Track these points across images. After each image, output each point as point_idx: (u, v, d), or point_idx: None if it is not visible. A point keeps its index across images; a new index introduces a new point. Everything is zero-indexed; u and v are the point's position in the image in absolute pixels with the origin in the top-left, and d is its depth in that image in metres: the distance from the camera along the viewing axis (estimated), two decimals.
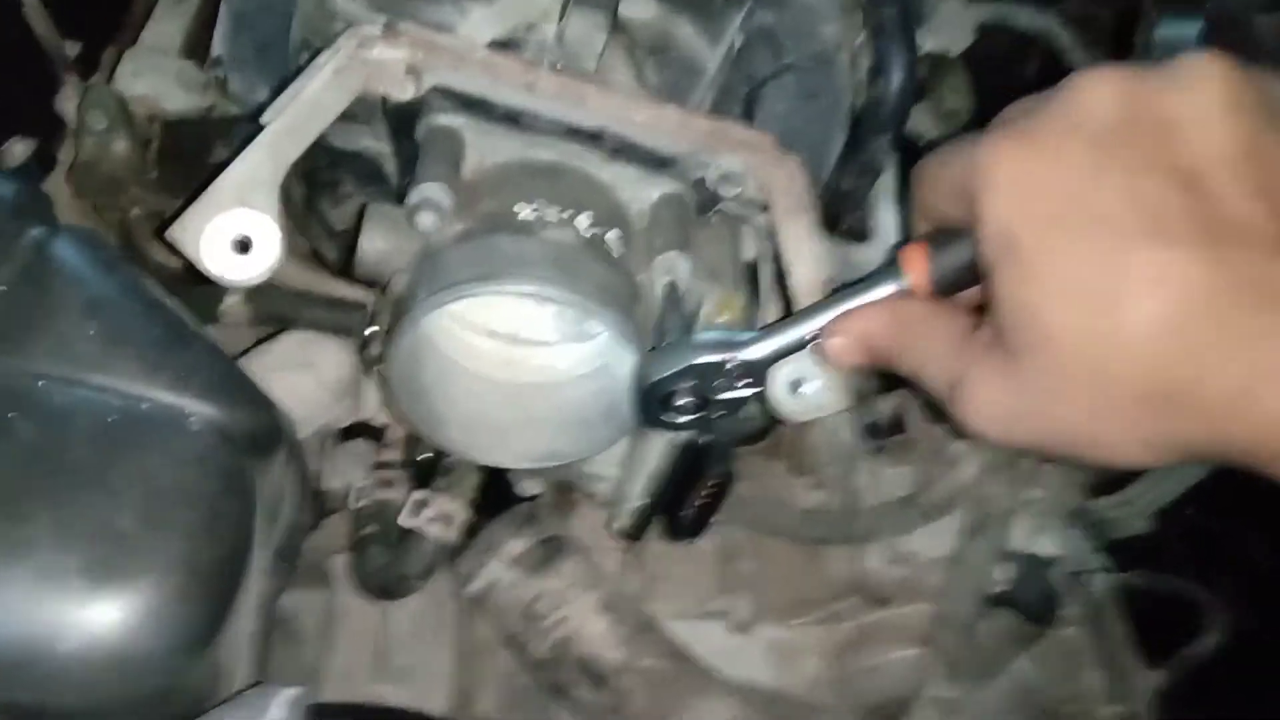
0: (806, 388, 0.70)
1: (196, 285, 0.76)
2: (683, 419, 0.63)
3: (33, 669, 0.40)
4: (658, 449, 0.77)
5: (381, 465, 0.80)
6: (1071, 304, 0.42)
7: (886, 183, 0.84)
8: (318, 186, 0.77)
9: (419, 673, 0.95)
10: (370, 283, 0.72)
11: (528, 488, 0.86)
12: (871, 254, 0.84)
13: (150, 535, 0.41)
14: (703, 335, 0.64)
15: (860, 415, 1.02)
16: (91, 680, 0.40)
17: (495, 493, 0.86)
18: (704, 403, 0.62)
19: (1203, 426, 0.41)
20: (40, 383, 0.45)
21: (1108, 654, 0.99)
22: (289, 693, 0.38)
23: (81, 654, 0.39)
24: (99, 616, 0.39)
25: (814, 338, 0.59)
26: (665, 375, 0.61)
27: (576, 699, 0.82)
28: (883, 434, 1.02)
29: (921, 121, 0.99)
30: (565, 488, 0.93)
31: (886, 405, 1.02)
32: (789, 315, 0.72)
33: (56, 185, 0.85)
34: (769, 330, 0.61)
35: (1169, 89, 0.42)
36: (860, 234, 0.82)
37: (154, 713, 0.41)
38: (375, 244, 0.69)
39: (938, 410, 0.52)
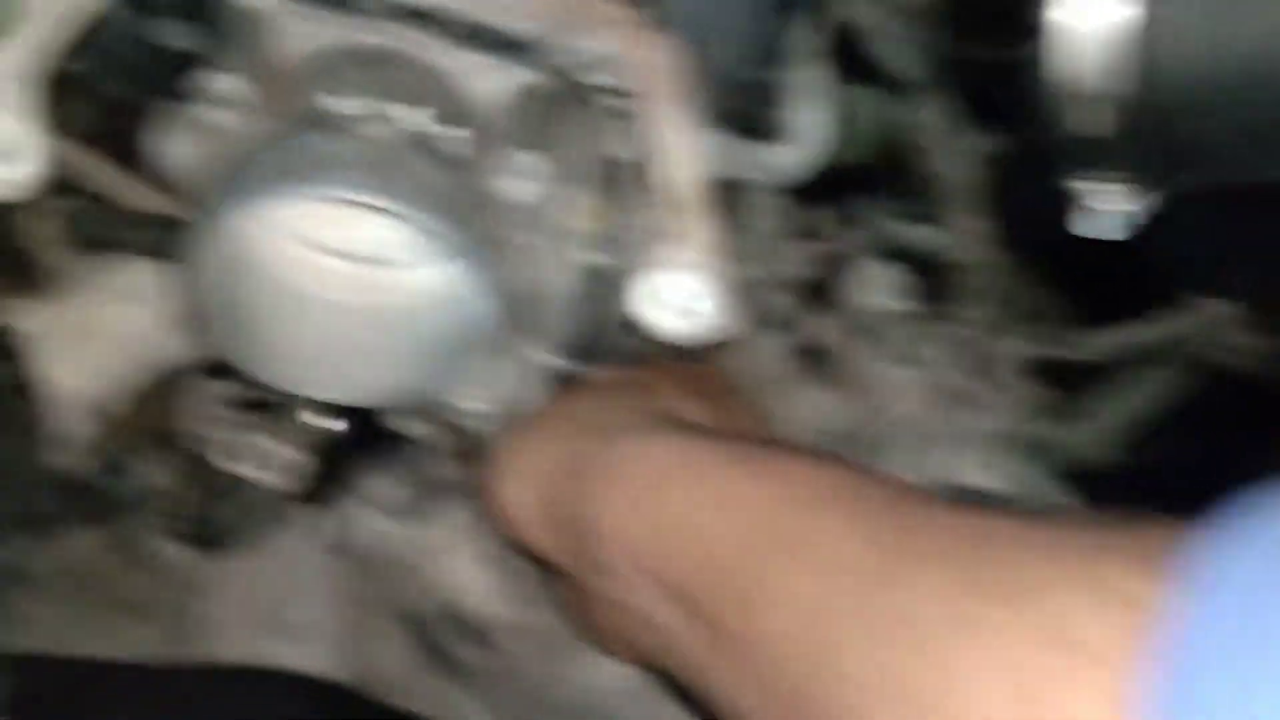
0: (700, 305, 0.61)
1: None
2: None
3: None
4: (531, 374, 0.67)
5: (238, 405, 0.70)
6: None
7: (809, 75, 0.74)
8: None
9: (308, 630, 0.88)
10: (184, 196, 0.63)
11: (404, 425, 0.77)
12: (786, 157, 0.74)
13: None
14: None
15: (785, 339, 0.93)
16: None
17: (369, 430, 0.77)
18: None
19: None
20: None
21: None
22: None
23: None
24: None
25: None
26: None
27: (461, 663, 0.73)
28: (811, 359, 0.92)
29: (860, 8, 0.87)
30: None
31: (813, 327, 0.92)
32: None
33: None
34: None
35: None
36: (768, 132, 0.71)
37: None
38: (178, 150, 0.59)
39: None
